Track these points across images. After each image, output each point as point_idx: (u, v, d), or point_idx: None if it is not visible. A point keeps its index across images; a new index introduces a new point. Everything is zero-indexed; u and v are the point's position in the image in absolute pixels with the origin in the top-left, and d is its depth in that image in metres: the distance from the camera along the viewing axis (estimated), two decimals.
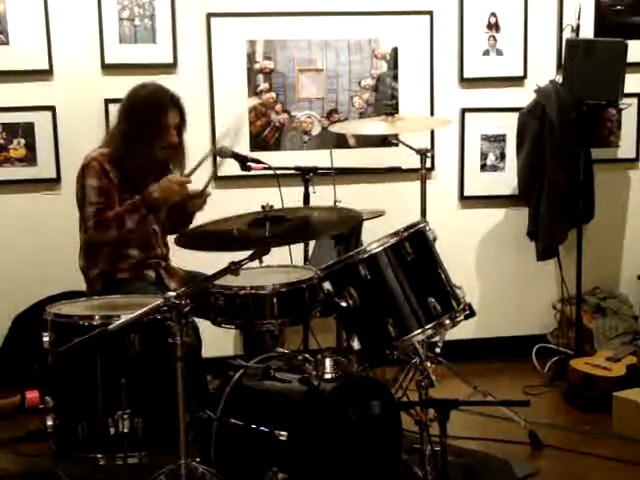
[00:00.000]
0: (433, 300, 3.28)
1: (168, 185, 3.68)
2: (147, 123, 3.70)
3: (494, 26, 4.92)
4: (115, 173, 3.69)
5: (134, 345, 3.05)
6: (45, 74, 4.53)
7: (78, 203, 3.73)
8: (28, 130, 4.55)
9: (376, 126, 4.20)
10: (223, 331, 3.67)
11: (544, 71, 4.93)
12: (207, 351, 3.61)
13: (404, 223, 3.38)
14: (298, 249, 4.05)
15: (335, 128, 4.40)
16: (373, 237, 3.37)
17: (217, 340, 3.81)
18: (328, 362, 3.07)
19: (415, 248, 3.31)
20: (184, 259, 3.92)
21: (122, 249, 3.75)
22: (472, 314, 3.44)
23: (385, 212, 4.21)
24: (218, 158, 4.09)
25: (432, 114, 4.91)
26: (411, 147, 4.15)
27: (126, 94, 3.78)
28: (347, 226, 3.59)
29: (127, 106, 3.77)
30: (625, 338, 4.80)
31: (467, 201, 5.05)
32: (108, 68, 4.57)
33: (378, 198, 4.62)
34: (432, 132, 4.90)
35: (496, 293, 5.10)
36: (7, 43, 4.48)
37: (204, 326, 3.49)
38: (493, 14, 4.91)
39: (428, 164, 4.36)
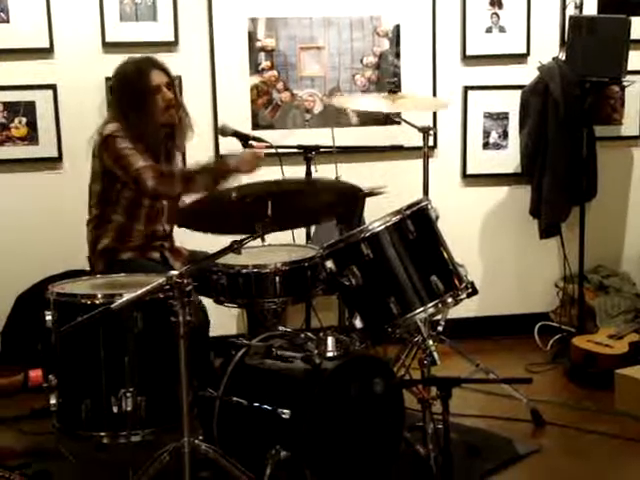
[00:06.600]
0: (435, 278, 3.28)
1: (245, 156, 3.66)
2: (135, 92, 3.71)
3: (497, 3, 4.88)
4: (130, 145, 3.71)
5: (137, 324, 3.07)
6: (46, 52, 4.51)
7: (97, 176, 3.75)
8: (29, 109, 4.53)
9: (378, 103, 4.18)
10: (226, 310, 3.69)
11: (547, 48, 4.90)
12: (210, 330, 3.61)
13: (406, 201, 3.37)
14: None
15: (336, 102, 4.36)
16: (375, 215, 3.36)
17: (220, 319, 3.81)
18: (330, 340, 3.08)
19: (417, 226, 3.30)
20: (187, 239, 3.92)
21: (129, 222, 3.76)
22: (474, 292, 3.44)
23: (387, 190, 4.21)
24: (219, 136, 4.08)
25: (434, 92, 4.88)
26: (413, 125, 4.13)
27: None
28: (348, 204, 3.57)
29: (114, 84, 3.84)
30: (627, 316, 4.79)
31: (469, 179, 5.04)
32: (109, 46, 4.55)
33: (380, 176, 4.61)
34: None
35: (498, 271, 5.10)
36: (8, 21, 4.45)
37: (206, 305, 3.50)
38: None
39: (430, 142, 4.34)
